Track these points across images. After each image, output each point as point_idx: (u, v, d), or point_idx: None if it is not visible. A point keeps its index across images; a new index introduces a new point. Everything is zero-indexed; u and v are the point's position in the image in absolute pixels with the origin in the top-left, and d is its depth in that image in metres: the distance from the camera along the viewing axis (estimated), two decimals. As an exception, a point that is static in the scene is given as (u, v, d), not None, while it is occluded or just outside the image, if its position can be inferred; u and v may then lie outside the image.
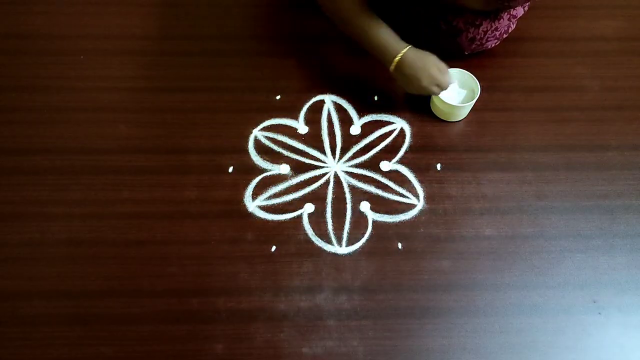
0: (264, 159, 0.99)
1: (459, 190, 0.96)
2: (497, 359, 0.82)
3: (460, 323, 0.84)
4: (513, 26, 1.05)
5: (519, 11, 1.05)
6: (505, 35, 1.07)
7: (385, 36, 0.94)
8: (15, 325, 0.84)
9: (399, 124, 1.04)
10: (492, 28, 1.02)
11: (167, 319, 0.84)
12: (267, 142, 1.01)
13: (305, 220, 0.93)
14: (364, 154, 1.00)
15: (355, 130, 1.03)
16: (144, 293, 0.86)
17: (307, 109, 1.05)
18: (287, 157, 1.00)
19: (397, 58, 0.94)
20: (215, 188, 0.96)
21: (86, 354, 0.82)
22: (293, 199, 0.95)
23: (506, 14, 1.02)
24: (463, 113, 1.03)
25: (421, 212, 0.94)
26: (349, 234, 0.92)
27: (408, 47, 0.94)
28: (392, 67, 0.95)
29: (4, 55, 1.12)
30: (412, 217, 0.94)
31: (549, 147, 1.01)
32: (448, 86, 0.97)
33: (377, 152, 1.01)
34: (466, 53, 1.08)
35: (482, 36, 1.03)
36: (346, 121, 1.04)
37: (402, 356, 0.82)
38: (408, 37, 1.14)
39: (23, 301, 0.86)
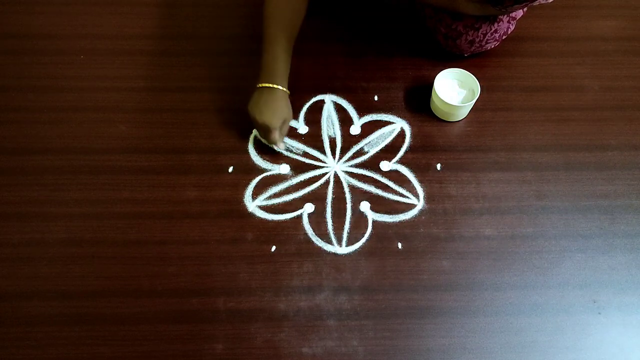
0: (264, 159, 0.99)
1: (459, 190, 0.96)
2: (497, 358, 0.82)
3: (460, 323, 0.85)
4: (512, 27, 1.06)
5: (519, 13, 1.05)
6: (504, 37, 1.07)
7: (279, 61, 0.93)
8: (15, 325, 0.84)
9: (399, 124, 1.04)
10: (492, 30, 1.02)
11: (167, 319, 0.84)
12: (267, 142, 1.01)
13: (305, 220, 0.93)
14: (364, 154, 1.00)
15: (355, 130, 1.03)
16: (144, 293, 0.86)
17: (307, 109, 1.05)
18: (287, 157, 1.00)
19: (262, 85, 0.94)
20: (215, 188, 0.96)
21: (86, 353, 0.82)
22: (293, 199, 0.95)
23: (505, 16, 1.02)
24: (463, 113, 1.03)
25: (421, 212, 0.94)
26: (349, 234, 0.92)
27: (277, 86, 0.93)
28: (258, 85, 0.95)
29: (4, 55, 1.12)
30: (412, 217, 0.94)
31: (549, 147, 1.02)
32: (276, 143, 0.96)
33: (377, 152, 1.01)
34: (465, 55, 1.08)
35: (481, 38, 1.03)
36: (346, 121, 1.04)
37: (402, 356, 0.82)
38: (408, 37, 1.14)
39: (23, 301, 0.86)
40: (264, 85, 0.94)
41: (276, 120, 0.94)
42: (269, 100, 0.94)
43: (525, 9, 1.06)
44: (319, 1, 0.97)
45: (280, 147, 0.98)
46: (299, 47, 1.13)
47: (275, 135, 0.95)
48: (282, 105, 0.95)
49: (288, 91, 0.96)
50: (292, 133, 1.02)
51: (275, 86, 0.94)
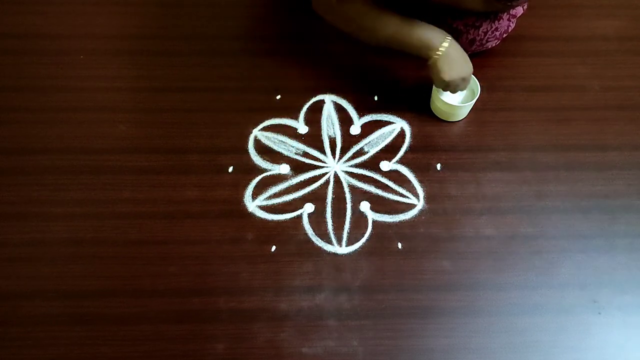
0: (264, 159, 0.99)
1: (459, 190, 0.96)
2: (499, 358, 0.82)
3: (462, 323, 0.85)
4: (513, 25, 1.06)
5: (519, 10, 1.05)
6: (505, 35, 1.07)
7: (424, 28, 0.93)
8: (15, 325, 0.84)
9: (399, 124, 1.04)
10: (492, 29, 1.02)
11: (168, 318, 0.84)
12: (267, 142, 1.01)
13: (305, 220, 0.93)
14: (364, 154, 1.00)
15: (355, 130, 1.03)
16: (145, 293, 0.86)
17: (307, 109, 1.05)
18: (287, 157, 1.00)
19: (442, 47, 0.92)
20: (215, 188, 0.96)
21: (86, 354, 0.82)
22: (293, 199, 0.95)
23: (506, 14, 1.02)
24: (463, 113, 1.03)
25: (421, 212, 0.94)
26: (349, 234, 0.92)
27: (450, 39, 0.93)
28: (434, 57, 0.93)
29: (4, 55, 1.12)
30: (412, 217, 0.94)
31: (549, 147, 1.01)
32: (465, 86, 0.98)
33: (377, 152, 1.01)
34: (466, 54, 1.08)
35: (482, 37, 1.03)
36: (346, 121, 1.04)
37: (403, 356, 0.82)
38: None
39: (23, 301, 0.86)
40: (446, 42, 0.92)
41: (468, 67, 0.95)
42: (460, 49, 0.94)
43: (525, 7, 1.06)
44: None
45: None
46: (299, 47, 1.14)
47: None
48: (460, 50, 0.95)
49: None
50: (292, 133, 1.02)
51: (450, 38, 0.93)
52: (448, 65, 0.93)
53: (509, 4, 0.93)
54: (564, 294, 0.87)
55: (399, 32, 0.93)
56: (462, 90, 0.98)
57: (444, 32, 0.94)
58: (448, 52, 0.93)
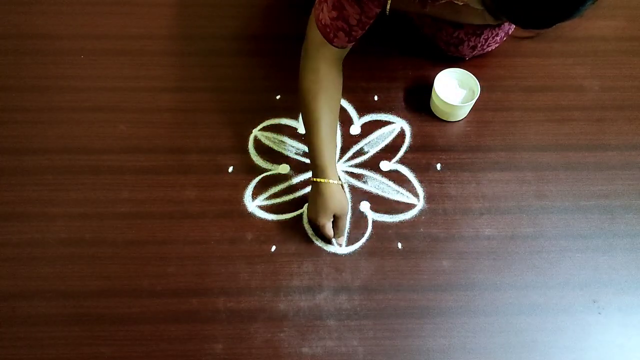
0: (264, 159, 0.99)
1: (459, 190, 0.96)
2: (497, 358, 0.82)
3: (461, 323, 0.84)
4: (513, 28, 1.06)
5: None
6: (505, 38, 1.07)
7: (321, 153, 0.87)
8: (15, 325, 0.84)
9: (399, 123, 1.04)
10: (493, 34, 1.03)
11: (166, 319, 0.84)
12: (267, 142, 1.01)
13: (305, 220, 0.93)
14: (364, 154, 1.00)
15: (355, 130, 1.03)
16: (144, 293, 0.86)
17: (307, 109, 1.05)
18: (287, 157, 1.00)
19: (313, 179, 0.88)
20: (215, 188, 0.96)
21: (86, 354, 0.82)
22: (293, 199, 0.95)
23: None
24: (463, 113, 1.03)
25: (421, 212, 0.94)
26: (349, 233, 0.92)
27: (330, 181, 0.87)
28: (313, 180, 0.88)
29: (4, 55, 1.12)
30: (412, 217, 0.94)
31: (549, 146, 1.01)
32: (327, 235, 0.89)
33: (377, 152, 1.01)
34: (467, 59, 1.08)
35: (483, 43, 1.03)
36: (346, 121, 1.04)
37: (402, 356, 0.82)
38: (408, 37, 1.14)
39: (23, 301, 0.86)
40: (314, 180, 0.88)
41: (322, 215, 0.87)
42: (317, 195, 0.87)
43: None
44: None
45: (339, 242, 0.91)
46: (299, 47, 1.14)
47: (325, 229, 0.88)
48: (333, 199, 0.87)
49: (340, 182, 0.89)
50: (292, 133, 1.02)
51: (324, 180, 0.86)
52: (311, 201, 0.90)
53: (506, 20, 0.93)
54: (563, 293, 0.87)
55: (311, 131, 0.88)
56: (333, 230, 0.89)
57: (333, 172, 0.87)
58: (317, 190, 0.87)
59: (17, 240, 0.91)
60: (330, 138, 0.88)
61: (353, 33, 0.85)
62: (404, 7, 0.98)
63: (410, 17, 1.08)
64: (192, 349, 0.82)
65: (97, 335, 0.83)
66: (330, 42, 0.85)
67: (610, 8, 1.21)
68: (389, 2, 0.87)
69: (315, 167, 0.88)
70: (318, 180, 0.87)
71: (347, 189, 0.97)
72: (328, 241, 0.91)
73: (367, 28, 0.86)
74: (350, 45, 0.88)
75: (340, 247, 0.91)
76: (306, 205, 0.94)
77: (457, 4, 0.75)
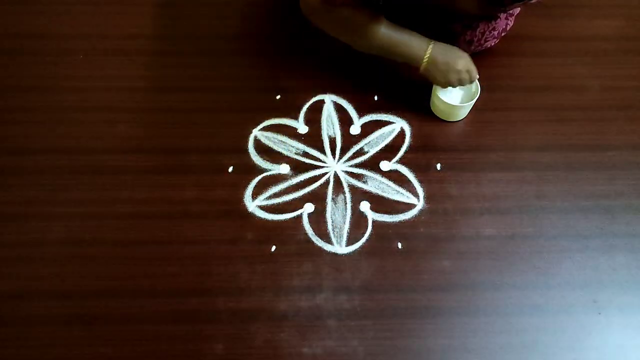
0: (264, 159, 0.99)
1: (459, 190, 0.96)
2: (497, 358, 0.82)
3: (461, 323, 0.84)
4: (511, 23, 1.06)
5: (516, 9, 1.04)
6: (504, 33, 1.07)
7: (407, 40, 0.94)
8: (15, 325, 0.84)
9: (399, 123, 1.04)
10: (490, 28, 1.02)
11: (166, 319, 0.84)
12: (267, 142, 1.01)
13: (305, 220, 0.93)
14: (364, 154, 1.00)
15: (355, 130, 1.03)
16: (144, 293, 0.86)
17: (307, 108, 1.05)
18: (287, 157, 1.00)
19: (426, 56, 0.94)
20: (215, 188, 0.96)
21: (86, 354, 0.82)
22: (293, 199, 0.95)
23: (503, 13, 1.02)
24: (463, 113, 1.03)
25: (421, 212, 0.94)
26: (349, 233, 0.92)
27: (432, 43, 0.94)
28: (423, 66, 0.95)
29: (4, 55, 1.12)
30: (412, 217, 0.94)
31: (549, 146, 1.01)
32: (475, 75, 0.97)
33: (377, 152, 1.00)
34: None
35: (479, 37, 1.03)
36: (346, 121, 1.04)
37: (402, 356, 0.82)
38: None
39: (23, 301, 0.86)
40: (429, 49, 0.93)
41: (465, 54, 0.96)
42: (445, 48, 0.95)
43: (522, 5, 1.06)
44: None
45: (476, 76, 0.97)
46: (299, 46, 1.14)
47: (472, 65, 0.96)
48: (451, 47, 0.96)
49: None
50: (292, 133, 1.02)
51: (432, 45, 0.94)
52: (438, 70, 0.94)
53: (502, 8, 0.93)
54: (563, 294, 0.87)
55: (385, 43, 0.95)
56: (471, 81, 0.97)
57: (427, 39, 0.95)
58: (433, 57, 0.94)
59: (17, 241, 0.91)
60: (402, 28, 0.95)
61: None
62: None
63: (407, 9, 1.08)
64: (192, 349, 0.82)
65: (97, 335, 0.83)
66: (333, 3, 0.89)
67: (610, 7, 1.21)
68: None
69: (415, 44, 0.94)
70: (432, 42, 0.94)
71: (347, 189, 0.96)
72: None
73: None
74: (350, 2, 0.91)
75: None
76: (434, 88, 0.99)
77: None
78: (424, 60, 0.94)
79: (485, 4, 0.91)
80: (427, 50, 0.94)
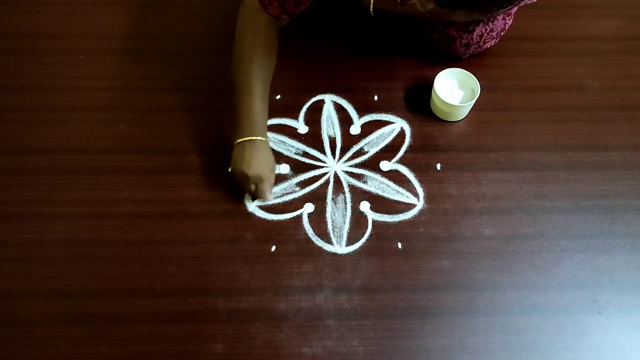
0: (263, 159, 0.99)
1: (459, 190, 0.96)
2: (497, 358, 0.82)
3: (460, 323, 0.84)
4: (510, 22, 1.05)
5: (513, 8, 1.04)
6: (502, 33, 1.07)
7: (250, 113, 0.91)
8: (15, 325, 0.84)
9: (399, 123, 1.04)
10: (488, 30, 1.02)
11: (166, 318, 0.84)
12: (267, 142, 1.01)
13: (305, 220, 0.93)
14: (364, 154, 1.00)
15: (355, 130, 1.03)
16: (144, 293, 0.86)
17: (307, 108, 1.05)
18: (287, 157, 1.00)
19: (237, 141, 0.91)
20: (215, 188, 0.96)
21: (85, 354, 0.82)
22: (293, 199, 0.95)
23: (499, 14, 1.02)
24: (463, 113, 1.03)
25: (421, 212, 0.94)
26: (349, 233, 0.92)
27: (258, 138, 0.91)
28: (237, 141, 0.92)
29: (4, 55, 1.12)
30: (412, 217, 0.94)
31: (549, 146, 1.01)
32: (266, 196, 0.92)
33: (377, 152, 1.00)
34: (463, 57, 1.08)
35: (477, 40, 1.03)
36: (346, 121, 1.04)
37: (402, 356, 0.82)
38: (408, 37, 1.14)
39: (23, 301, 0.86)
40: (244, 139, 0.90)
41: (267, 169, 0.91)
42: (254, 152, 0.90)
43: (518, 5, 1.06)
44: (320, 2, 0.97)
45: (269, 198, 0.93)
46: (299, 47, 1.14)
47: (266, 185, 0.91)
48: (268, 155, 0.92)
49: (267, 139, 0.93)
50: (292, 133, 1.02)
51: (256, 138, 0.90)
52: (236, 158, 0.91)
53: (489, 15, 0.93)
54: (563, 293, 0.87)
55: (239, 93, 0.92)
56: (259, 190, 0.91)
57: (263, 127, 0.91)
58: (240, 148, 0.90)
59: (17, 240, 0.91)
60: (264, 100, 0.91)
61: (287, 7, 0.87)
62: (385, 7, 0.98)
63: (399, 18, 1.08)
64: (192, 349, 0.82)
65: (97, 335, 0.83)
66: (265, 8, 0.87)
67: (610, 8, 1.21)
68: (372, 3, 0.87)
69: (245, 125, 0.90)
70: (251, 138, 0.89)
71: (347, 189, 0.96)
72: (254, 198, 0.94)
73: (303, 8, 0.88)
74: (286, 19, 0.90)
75: (269, 199, 0.92)
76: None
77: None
78: (236, 142, 0.91)
79: (474, 13, 0.91)
80: (241, 139, 0.90)
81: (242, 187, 0.93)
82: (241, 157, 0.90)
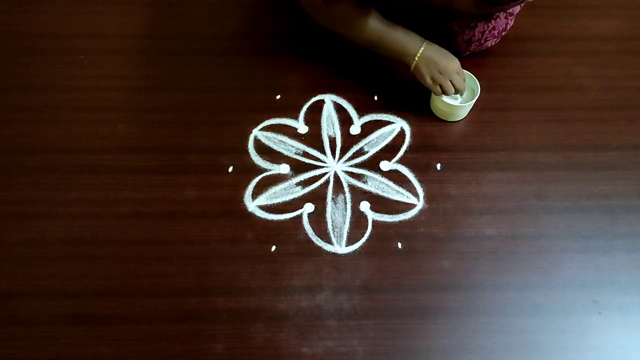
0: (264, 159, 0.99)
1: (459, 190, 0.96)
2: (497, 358, 0.82)
3: (461, 323, 0.84)
4: (511, 23, 1.05)
5: (516, 8, 1.04)
6: (504, 33, 1.07)
7: (401, 36, 0.96)
8: (15, 325, 0.84)
9: (399, 123, 1.04)
10: (489, 28, 1.02)
11: (166, 318, 0.84)
12: (267, 142, 1.01)
13: (305, 220, 0.93)
14: (364, 154, 1.00)
15: (355, 130, 1.03)
16: (144, 293, 0.86)
17: (307, 108, 1.05)
18: (287, 157, 1.00)
19: (418, 54, 0.95)
20: (215, 188, 0.96)
21: (85, 353, 0.82)
22: (293, 199, 0.95)
23: (502, 12, 1.01)
24: (463, 113, 1.03)
25: (421, 212, 0.94)
26: (349, 233, 0.92)
27: (426, 43, 0.96)
28: (414, 63, 0.96)
29: (4, 55, 1.12)
30: (412, 217, 0.94)
31: (550, 146, 1.01)
32: (462, 83, 0.97)
33: (377, 152, 1.00)
34: (464, 54, 1.08)
35: (479, 37, 1.03)
36: (346, 121, 1.04)
37: (402, 356, 0.82)
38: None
39: (23, 301, 0.86)
40: (422, 47, 0.95)
41: (453, 58, 0.96)
42: (437, 49, 0.95)
43: (522, 5, 1.06)
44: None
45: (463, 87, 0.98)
46: (299, 46, 1.14)
47: (459, 71, 0.96)
48: (443, 49, 0.97)
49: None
50: (292, 133, 1.02)
51: (425, 42, 0.95)
52: (428, 69, 0.95)
53: (499, 7, 0.93)
54: (564, 294, 0.87)
55: (380, 39, 0.96)
56: (457, 90, 0.97)
57: (420, 38, 0.96)
58: (425, 56, 0.95)
59: (17, 240, 0.91)
60: (395, 25, 0.96)
61: None
62: None
63: (405, 9, 1.08)
64: (192, 349, 0.82)
65: (98, 335, 0.83)
66: None
67: (610, 8, 1.21)
68: None
69: (409, 43, 0.95)
70: (424, 42, 0.95)
71: (347, 189, 0.97)
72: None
73: None
74: None
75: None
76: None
77: None
78: (416, 58, 0.95)
79: (482, 4, 0.91)
80: (420, 49, 0.95)
81: (436, 88, 0.96)
82: (432, 60, 0.94)
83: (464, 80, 0.98)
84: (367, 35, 0.96)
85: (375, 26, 0.95)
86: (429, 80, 0.96)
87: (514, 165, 0.99)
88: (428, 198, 0.95)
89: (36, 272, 0.88)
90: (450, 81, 0.96)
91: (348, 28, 0.97)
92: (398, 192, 0.96)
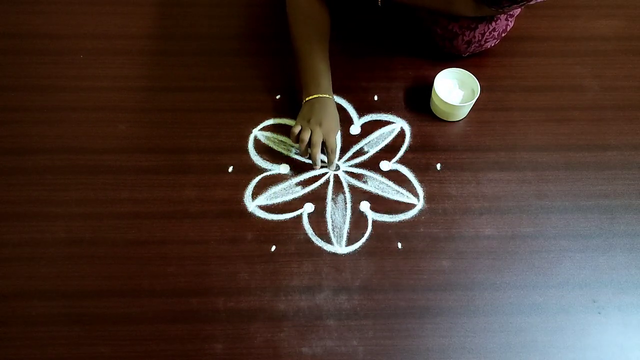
0: (263, 159, 0.99)
1: (459, 190, 0.96)
2: (496, 358, 0.82)
3: (460, 322, 0.84)
4: (511, 24, 1.05)
5: (516, 10, 1.04)
6: (504, 34, 1.07)
7: (315, 71, 0.96)
8: (14, 325, 0.84)
9: (398, 123, 1.04)
10: (490, 29, 1.02)
11: (166, 318, 0.84)
12: (267, 142, 1.01)
13: (305, 220, 0.93)
14: (364, 154, 1.00)
15: (355, 130, 1.03)
16: (144, 293, 0.86)
17: (307, 108, 1.05)
18: (287, 157, 1.00)
19: (307, 98, 0.96)
20: (215, 188, 0.96)
21: (85, 353, 0.82)
22: (293, 199, 0.95)
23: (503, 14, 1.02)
24: (463, 113, 1.03)
25: (421, 211, 0.94)
26: (349, 233, 0.92)
27: (326, 96, 0.96)
28: (306, 99, 0.96)
29: (4, 55, 1.12)
30: (412, 217, 0.94)
31: (549, 146, 1.01)
32: (334, 145, 0.94)
33: (377, 152, 1.01)
34: (464, 55, 1.08)
35: (479, 38, 1.03)
36: (346, 121, 1.04)
37: (402, 356, 0.82)
38: (408, 37, 1.14)
39: (22, 301, 0.86)
40: (312, 97, 0.95)
41: (336, 124, 0.96)
42: (325, 106, 0.95)
43: (522, 6, 1.06)
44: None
45: (331, 167, 0.97)
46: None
47: (332, 137, 0.94)
48: (335, 111, 0.97)
49: (332, 97, 0.98)
50: (292, 133, 1.02)
51: (324, 95, 0.95)
52: (306, 112, 0.95)
53: (500, 10, 0.93)
54: (563, 293, 0.87)
55: (302, 56, 0.97)
56: (331, 147, 0.94)
57: (328, 86, 0.96)
58: (312, 103, 0.95)
59: (16, 240, 0.91)
60: (325, 60, 0.96)
61: None
62: None
63: (405, 10, 1.08)
64: (191, 349, 0.82)
65: (97, 335, 0.83)
66: None
67: (610, 7, 1.21)
68: None
69: (311, 86, 0.95)
70: (320, 95, 0.94)
71: (347, 189, 0.97)
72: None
73: None
74: None
75: (332, 169, 0.97)
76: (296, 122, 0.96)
77: None
78: (305, 100, 0.96)
79: (482, 7, 0.91)
80: (309, 97, 0.95)
81: (302, 144, 0.93)
82: (312, 113, 0.94)
83: (333, 142, 0.94)
84: (295, 42, 0.98)
85: (309, 42, 0.96)
86: (301, 123, 0.94)
87: (513, 165, 0.99)
88: (428, 198, 0.96)
89: (36, 272, 0.88)
90: (324, 141, 0.93)
91: (294, 24, 0.98)
92: (398, 192, 0.96)
